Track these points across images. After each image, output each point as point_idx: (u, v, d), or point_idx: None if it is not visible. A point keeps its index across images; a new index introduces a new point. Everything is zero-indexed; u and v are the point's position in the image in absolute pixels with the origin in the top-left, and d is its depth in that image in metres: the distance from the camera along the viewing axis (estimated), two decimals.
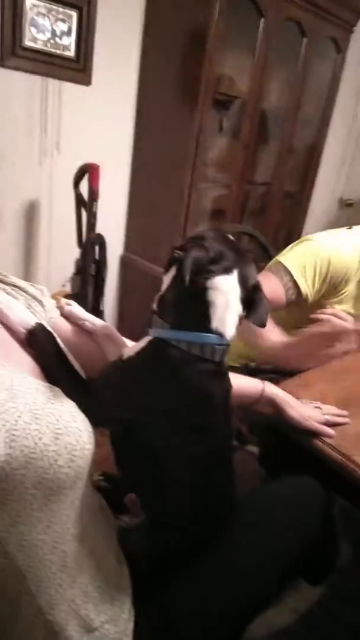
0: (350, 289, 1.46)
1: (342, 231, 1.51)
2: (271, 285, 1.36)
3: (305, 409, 1.05)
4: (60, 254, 2.19)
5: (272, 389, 1.03)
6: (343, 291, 1.46)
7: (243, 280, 0.76)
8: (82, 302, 2.00)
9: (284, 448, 1.14)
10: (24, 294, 0.83)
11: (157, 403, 0.74)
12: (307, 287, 1.39)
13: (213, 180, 2.46)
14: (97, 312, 2.06)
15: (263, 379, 1.56)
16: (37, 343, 0.72)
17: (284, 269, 1.39)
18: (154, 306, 0.79)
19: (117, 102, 2.23)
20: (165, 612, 0.77)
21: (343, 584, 1.46)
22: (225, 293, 0.74)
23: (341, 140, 3.24)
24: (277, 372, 1.56)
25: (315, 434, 1.02)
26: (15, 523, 0.59)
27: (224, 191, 2.51)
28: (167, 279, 0.78)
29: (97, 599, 0.70)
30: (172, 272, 0.76)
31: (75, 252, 2.07)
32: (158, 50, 2.16)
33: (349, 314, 1.38)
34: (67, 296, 2.05)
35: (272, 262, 1.49)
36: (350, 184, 3.43)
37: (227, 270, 0.74)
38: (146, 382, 0.73)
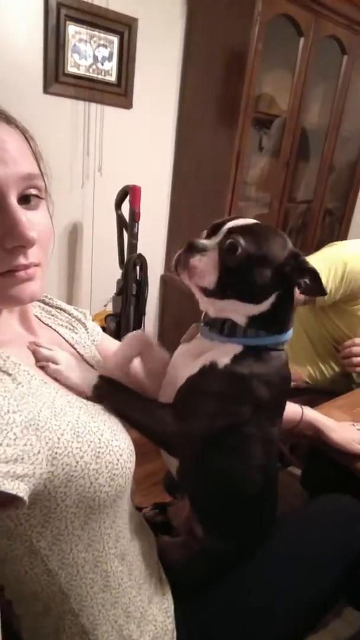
0: None
1: None
2: None
3: (348, 431, 1.04)
4: (102, 275, 2.20)
5: (311, 414, 1.04)
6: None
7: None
8: (124, 322, 2.01)
9: (327, 470, 1.14)
10: (67, 316, 0.86)
11: (260, 399, 0.73)
12: None
13: (254, 199, 2.45)
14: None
15: (300, 397, 1.55)
16: (107, 395, 0.70)
17: None
18: (241, 323, 0.75)
19: (157, 124, 2.26)
20: (207, 632, 0.76)
21: None
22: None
23: None
24: (317, 392, 1.58)
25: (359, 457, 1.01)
26: (57, 541, 0.59)
27: (265, 210, 2.49)
28: (265, 303, 0.74)
29: (139, 619, 0.70)
30: (273, 297, 0.73)
31: (117, 273, 2.08)
32: (198, 71, 2.19)
33: None
34: (109, 316, 2.05)
35: None
36: None
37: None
38: (245, 385, 0.72)
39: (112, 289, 2.10)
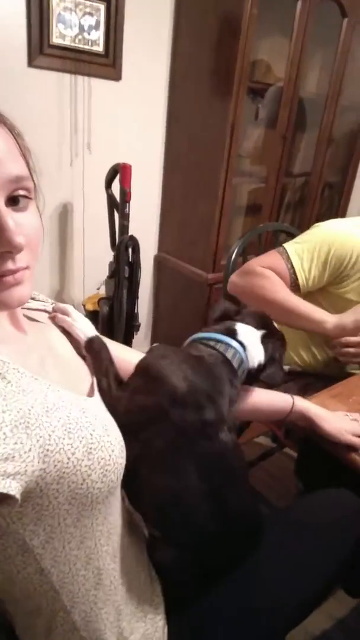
0: (358, 274, 1.39)
1: (356, 218, 1.46)
2: (276, 262, 1.38)
3: (341, 421, 1.03)
4: (94, 257, 2.15)
5: (302, 404, 1.03)
6: (351, 276, 1.39)
7: (265, 343, 0.91)
8: (117, 305, 1.96)
9: (320, 461, 1.13)
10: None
11: (174, 391, 0.75)
12: (303, 271, 1.37)
13: (249, 174, 2.37)
14: (132, 315, 2.01)
15: (295, 381, 1.53)
16: (93, 350, 0.82)
17: (285, 252, 1.38)
18: None
19: (148, 96, 2.17)
20: (198, 628, 0.77)
21: None
22: (250, 334, 0.90)
23: None
24: (312, 375, 1.58)
25: (353, 448, 1.00)
26: (50, 539, 0.59)
27: (260, 185, 2.41)
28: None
29: (130, 615, 0.71)
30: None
31: (110, 255, 2.02)
32: (189, 39, 2.08)
33: None
34: (102, 300, 2.01)
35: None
36: None
37: (254, 327, 0.92)
38: (164, 369, 0.78)
39: (105, 272, 2.05)
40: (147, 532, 0.81)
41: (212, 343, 0.85)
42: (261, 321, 0.95)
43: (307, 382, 1.55)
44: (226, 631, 0.77)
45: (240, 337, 0.88)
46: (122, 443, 0.67)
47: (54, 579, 0.61)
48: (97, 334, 0.84)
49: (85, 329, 0.83)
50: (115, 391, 0.76)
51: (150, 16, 2.04)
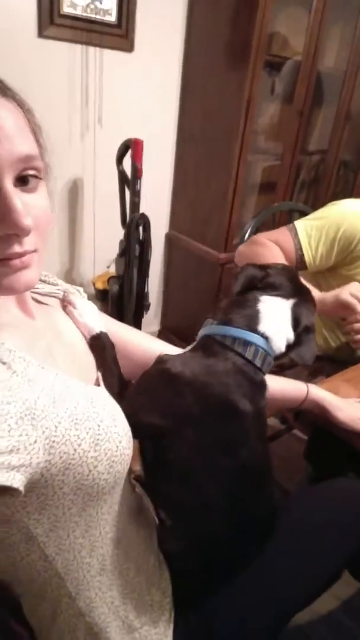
0: None
1: None
2: (284, 238, 1.36)
3: (354, 409, 1.02)
4: (105, 234, 2.12)
5: (317, 392, 1.02)
6: (358, 256, 1.37)
7: (296, 313, 0.82)
8: (127, 284, 1.94)
9: (330, 445, 1.12)
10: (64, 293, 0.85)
11: (188, 410, 0.72)
12: (311, 249, 1.36)
13: (263, 151, 2.31)
14: (142, 294, 1.99)
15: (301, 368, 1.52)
16: (97, 347, 0.78)
17: (294, 228, 1.37)
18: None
19: (161, 69, 2.11)
20: (205, 616, 0.76)
21: None
22: (276, 311, 0.81)
23: None
24: (323, 359, 1.55)
25: None
26: (55, 528, 0.59)
27: (275, 162, 2.35)
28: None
29: (137, 600, 0.70)
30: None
31: (120, 233, 1.99)
32: (205, 10, 2.01)
33: None
34: (112, 278, 1.99)
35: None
36: None
37: (282, 296, 0.82)
38: (180, 388, 0.73)
39: (116, 250, 2.03)
40: (157, 519, 0.80)
41: (228, 342, 0.76)
42: (290, 278, 0.86)
43: (318, 365, 1.53)
44: (233, 621, 0.77)
45: (262, 326, 0.78)
46: (130, 433, 0.65)
47: (59, 565, 0.61)
48: (103, 329, 0.81)
49: (92, 324, 0.80)
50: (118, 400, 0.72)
51: None
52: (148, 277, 1.98)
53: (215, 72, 2.03)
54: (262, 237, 1.40)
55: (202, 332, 0.82)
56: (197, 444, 0.72)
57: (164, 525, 0.78)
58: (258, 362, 0.76)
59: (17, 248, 0.53)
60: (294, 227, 1.37)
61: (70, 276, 2.16)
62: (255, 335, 0.77)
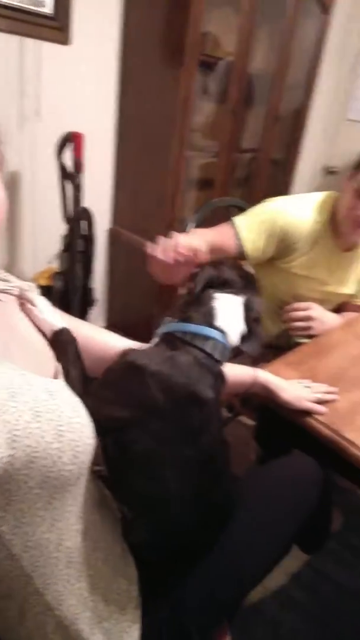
0: (302, 249, 1.49)
1: (304, 195, 1.56)
2: (224, 233, 1.42)
3: (296, 389, 1.09)
4: (46, 230, 2.08)
5: (263, 375, 1.07)
6: (296, 251, 1.49)
7: (247, 307, 0.89)
8: (71, 280, 1.92)
9: (278, 425, 1.17)
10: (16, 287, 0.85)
11: (152, 400, 0.75)
12: (250, 242, 1.43)
13: (200, 148, 2.36)
14: (87, 289, 1.98)
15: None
16: (59, 343, 0.80)
17: (233, 225, 1.45)
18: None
19: (99, 62, 2.10)
20: (172, 600, 0.78)
21: (335, 547, 1.63)
22: (230, 306, 0.87)
23: (325, 105, 3.17)
24: (264, 346, 1.61)
25: (308, 413, 1.06)
26: (21, 524, 0.58)
27: (211, 159, 2.41)
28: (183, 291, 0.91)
29: (104, 590, 0.71)
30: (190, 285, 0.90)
31: (61, 228, 1.97)
32: (140, 7, 2.03)
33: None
34: (55, 274, 1.96)
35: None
36: (334, 151, 3.37)
37: (234, 293, 0.88)
38: (145, 379, 0.75)
39: (57, 245, 2.00)
40: (120, 513, 0.81)
41: (188, 338, 0.81)
42: (241, 275, 0.94)
43: (261, 352, 1.62)
44: (197, 601, 0.79)
45: (218, 322, 0.84)
46: (91, 424, 0.66)
47: (25, 563, 0.60)
48: (65, 325, 0.82)
49: (52, 320, 0.82)
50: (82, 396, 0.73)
51: None
52: (92, 272, 1.97)
53: (152, 69, 2.05)
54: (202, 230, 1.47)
55: (162, 330, 0.86)
56: (162, 435, 0.75)
57: (126, 518, 0.80)
58: (217, 355, 0.82)
59: None
60: (233, 222, 1.45)
61: (9, 273, 2.09)
62: (213, 330, 0.83)
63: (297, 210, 1.47)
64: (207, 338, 0.82)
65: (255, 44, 2.30)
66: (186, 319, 0.84)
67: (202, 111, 2.41)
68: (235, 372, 1.05)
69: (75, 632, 0.66)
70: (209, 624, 0.83)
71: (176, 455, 0.75)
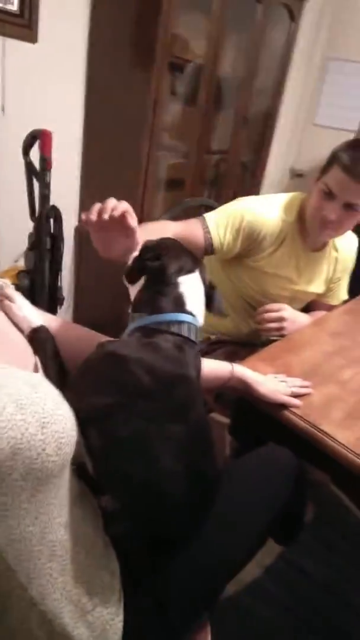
0: (270, 247, 1.52)
1: (272, 195, 1.60)
2: (193, 227, 1.44)
3: (272, 383, 1.12)
4: (12, 228, 2.05)
5: (240, 370, 1.09)
6: (264, 248, 1.52)
7: (203, 279, 0.94)
8: (38, 278, 1.90)
9: (253, 418, 1.20)
10: None
11: (138, 383, 0.76)
12: (219, 236, 1.45)
13: (167, 148, 2.38)
14: (55, 288, 1.96)
15: (222, 349, 1.62)
16: (38, 340, 0.82)
17: (203, 219, 1.47)
18: (130, 310, 0.91)
19: (66, 62, 2.09)
20: (152, 590, 0.79)
21: (308, 539, 1.66)
22: (193, 286, 0.91)
23: (293, 110, 3.23)
24: (236, 344, 1.68)
25: (284, 406, 1.09)
26: (4, 518, 0.58)
27: (179, 159, 2.43)
28: (137, 285, 0.92)
29: (87, 583, 0.71)
30: (142, 280, 0.92)
31: (28, 226, 1.94)
32: (109, 6, 2.03)
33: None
34: (21, 272, 1.93)
35: None
36: (301, 154, 3.44)
37: (190, 271, 0.91)
38: (128, 365, 0.77)
39: (23, 244, 1.97)
40: (99, 505, 0.81)
41: (164, 327, 0.84)
42: (182, 250, 0.96)
43: (233, 350, 1.64)
44: (178, 593, 0.81)
45: (189, 305, 0.88)
46: (73, 416, 0.66)
47: (9, 557, 0.60)
48: (42, 323, 0.84)
49: (30, 317, 0.84)
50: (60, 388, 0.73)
51: None
52: (61, 270, 1.95)
53: (121, 69, 2.05)
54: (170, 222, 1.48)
55: (135, 325, 0.87)
56: (150, 414, 0.76)
57: (107, 511, 0.79)
58: (192, 337, 0.86)
59: None
60: (203, 217, 1.47)
61: None
62: (185, 314, 0.86)
63: (265, 208, 1.49)
64: (181, 323, 0.85)
65: (224, 49, 2.33)
66: (157, 310, 0.86)
67: (169, 111, 2.42)
68: (213, 367, 1.07)
69: (60, 626, 0.66)
70: (190, 615, 0.85)
71: (166, 433, 0.76)
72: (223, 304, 1.01)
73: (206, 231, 1.44)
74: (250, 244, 1.49)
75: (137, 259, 0.93)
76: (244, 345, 1.66)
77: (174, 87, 2.39)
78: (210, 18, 2.12)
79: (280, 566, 1.54)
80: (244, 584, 1.45)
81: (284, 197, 1.56)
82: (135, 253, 0.95)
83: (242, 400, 1.16)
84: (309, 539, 1.67)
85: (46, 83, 2.03)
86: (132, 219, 0.92)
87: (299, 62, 2.99)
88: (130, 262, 0.95)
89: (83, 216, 0.92)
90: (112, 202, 0.92)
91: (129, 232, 0.93)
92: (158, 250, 0.91)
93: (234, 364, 1.10)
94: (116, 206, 0.91)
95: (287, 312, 1.51)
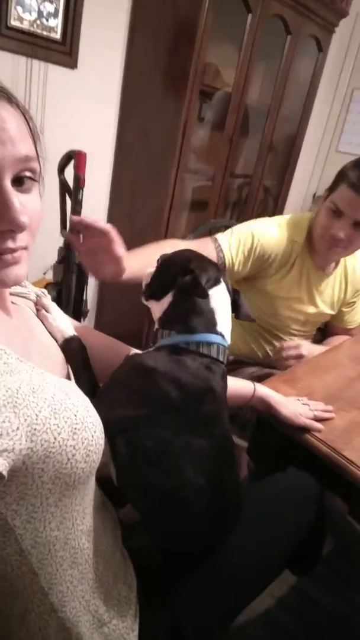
0: (280, 269, 1.53)
1: (282, 216, 1.61)
2: (205, 246, 1.42)
3: (295, 406, 1.11)
4: (42, 241, 2.12)
5: (262, 390, 1.09)
6: (274, 270, 1.52)
7: (228, 289, 0.92)
8: (65, 291, 1.98)
9: (273, 441, 1.18)
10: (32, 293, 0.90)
11: (167, 397, 0.78)
12: (231, 255, 1.45)
13: (193, 171, 2.46)
14: (81, 300, 2.04)
15: (241, 368, 1.63)
16: (70, 350, 0.83)
17: (215, 239, 1.47)
18: (157, 326, 0.90)
19: (102, 87, 2.20)
20: (169, 608, 0.79)
21: (324, 572, 1.58)
22: (222, 299, 0.88)
23: (317, 137, 3.31)
24: (257, 364, 1.67)
25: (305, 429, 1.07)
26: (32, 519, 0.59)
27: (204, 182, 2.51)
28: (165, 301, 0.90)
29: (105, 594, 0.71)
30: (170, 296, 0.89)
31: (57, 240, 2.03)
32: (145, 37, 2.14)
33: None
34: (49, 285, 2.02)
35: None
36: (323, 180, 3.51)
37: (217, 282, 0.88)
38: (156, 378, 0.79)
39: (52, 257, 2.06)
40: (119, 517, 0.82)
41: (193, 347, 0.83)
42: (206, 260, 0.94)
43: (253, 371, 1.64)
44: (193, 614, 0.80)
45: (219, 327, 0.87)
46: (102, 425, 0.67)
47: (33, 560, 0.61)
48: (75, 334, 0.86)
49: (64, 327, 0.85)
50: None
51: (108, 9, 2.08)
52: (87, 284, 2.03)
53: (154, 95, 2.15)
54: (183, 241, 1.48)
55: (164, 342, 0.86)
56: (177, 427, 0.77)
57: (127, 523, 0.81)
58: (221, 357, 0.85)
59: (10, 244, 0.57)
60: (214, 237, 1.48)
61: None
62: (215, 335, 0.86)
63: (274, 229, 1.51)
64: (211, 344, 0.84)
65: (252, 77, 2.43)
66: (189, 330, 0.85)
67: (197, 136, 2.51)
68: (237, 385, 1.07)
69: (76, 635, 0.66)
70: (205, 635, 0.83)
71: (191, 446, 0.77)
72: (249, 308, 1.02)
73: (219, 250, 1.44)
74: (260, 264, 1.50)
75: (159, 274, 0.93)
76: (264, 366, 1.66)
77: (201, 112, 2.48)
78: (241, 49, 2.22)
79: (293, 597, 1.48)
80: (255, 613, 1.40)
81: (294, 218, 1.57)
82: (151, 269, 0.95)
83: (261, 422, 1.16)
84: (324, 571, 1.59)
85: (83, 106, 2.14)
86: (119, 247, 0.94)
87: (325, 91, 3.07)
88: (147, 280, 0.95)
89: (67, 236, 0.97)
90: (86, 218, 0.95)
91: (116, 259, 0.95)
92: (186, 263, 0.88)
93: (256, 384, 1.10)
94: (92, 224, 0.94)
95: (305, 349, 1.49)
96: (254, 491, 1.01)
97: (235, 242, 1.45)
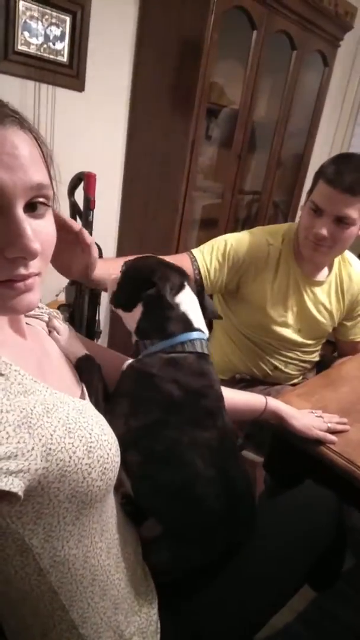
0: (264, 278, 1.50)
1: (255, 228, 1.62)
2: (179, 258, 1.42)
3: (308, 418, 1.12)
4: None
5: (275, 403, 1.10)
6: (255, 275, 1.50)
7: (192, 289, 0.94)
8: (77, 312, 1.96)
9: (290, 455, 1.19)
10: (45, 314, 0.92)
11: (171, 398, 0.81)
12: (205, 262, 1.45)
13: (202, 189, 2.46)
14: (93, 321, 2.01)
15: (247, 387, 1.60)
16: (84, 369, 0.85)
17: (190, 252, 1.48)
18: (134, 339, 0.92)
19: (110, 108, 2.21)
20: (188, 625, 0.80)
21: (344, 586, 1.58)
22: (190, 302, 0.91)
23: (325, 152, 3.30)
24: (266, 383, 1.66)
25: (320, 442, 1.08)
26: (49, 538, 0.60)
27: (213, 200, 2.51)
28: (136, 314, 0.90)
29: (126, 610, 0.71)
30: (140, 307, 0.90)
31: None
32: (151, 57, 2.15)
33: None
34: (62, 306, 2.00)
35: None
36: None
37: (181, 287, 0.91)
38: (157, 382, 0.82)
39: (64, 278, 2.04)
40: (140, 534, 0.83)
41: (179, 348, 0.86)
42: (169, 265, 0.95)
43: (259, 388, 1.63)
44: (216, 625, 0.80)
45: (195, 323, 0.90)
46: (117, 442, 0.69)
47: (53, 579, 0.61)
48: (87, 353, 0.87)
49: (76, 349, 0.87)
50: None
51: (115, 31, 2.09)
52: (99, 305, 2.01)
53: (161, 115, 2.16)
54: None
55: (148, 352, 0.88)
56: (182, 424, 0.80)
57: (147, 540, 0.82)
58: (205, 350, 0.89)
59: (22, 270, 0.56)
60: (190, 251, 1.49)
61: None
62: (194, 332, 0.89)
63: (246, 234, 1.51)
64: (193, 341, 0.88)
65: (258, 93, 2.43)
66: (168, 335, 0.87)
67: (204, 154, 2.51)
68: (248, 398, 1.09)
69: None
70: None
71: (198, 440, 0.81)
72: (213, 304, 1.04)
73: (193, 260, 1.45)
74: (237, 270, 1.48)
75: (124, 285, 0.93)
76: (268, 384, 1.64)
77: (208, 131, 2.48)
78: (247, 65, 2.22)
79: (314, 612, 1.49)
80: (275, 629, 1.40)
81: (268, 227, 1.58)
82: (115, 275, 0.95)
83: (278, 436, 1.16)
84: (344, 586, 1.59)
85: (91, 128, 2.15)
86: (87, 235, 0.93)
87: (332, 105, 3.07)
88: (112, 288, 0.95)
89: None
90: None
91: (85, 248, 0.94)
92: (148, 274, 0.89)
93: (268, 397, 1.11)
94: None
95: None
96: (272, 506, 1.02)
97: (208, 250, 1.47)
